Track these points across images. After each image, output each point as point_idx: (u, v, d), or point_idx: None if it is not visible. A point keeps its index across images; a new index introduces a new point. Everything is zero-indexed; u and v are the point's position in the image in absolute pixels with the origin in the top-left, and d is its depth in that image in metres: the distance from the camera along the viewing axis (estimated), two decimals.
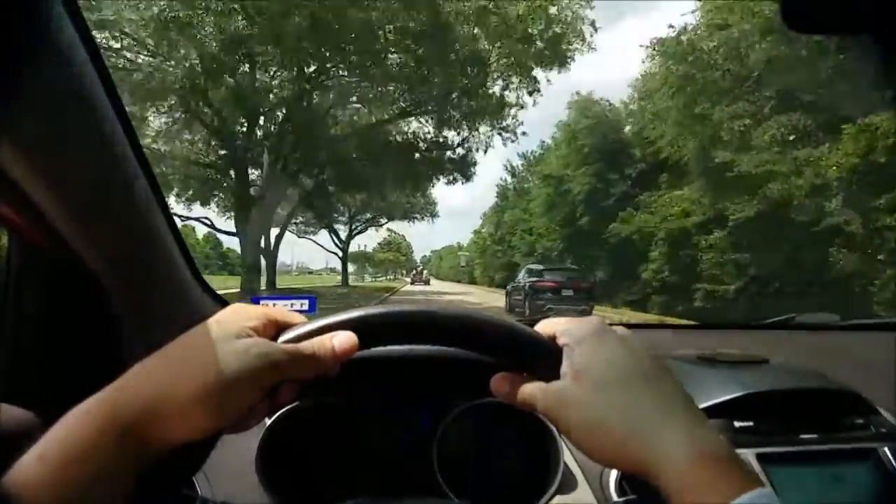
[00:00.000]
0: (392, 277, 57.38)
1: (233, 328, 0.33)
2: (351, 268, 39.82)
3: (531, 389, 0.36)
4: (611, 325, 0.39)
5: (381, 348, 0.39)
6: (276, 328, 0.36)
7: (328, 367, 0.35)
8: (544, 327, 0.38)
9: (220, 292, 0.87)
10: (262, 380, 0.33)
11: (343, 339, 0.35)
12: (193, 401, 0.30)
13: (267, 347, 0.33)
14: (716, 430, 0.32)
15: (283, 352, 0.34)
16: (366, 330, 0.37)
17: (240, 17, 9.65)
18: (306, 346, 0.35)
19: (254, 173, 13.44)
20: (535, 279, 12.20)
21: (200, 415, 0.31)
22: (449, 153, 15.26)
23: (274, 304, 0.39)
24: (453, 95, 12.49)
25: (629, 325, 1.27)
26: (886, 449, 0.67)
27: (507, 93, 13.20)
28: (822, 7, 0.36)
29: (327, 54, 11.10)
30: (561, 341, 0.36)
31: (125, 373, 0.32)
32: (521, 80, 12.81)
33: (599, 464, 0.35)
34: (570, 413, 0.33)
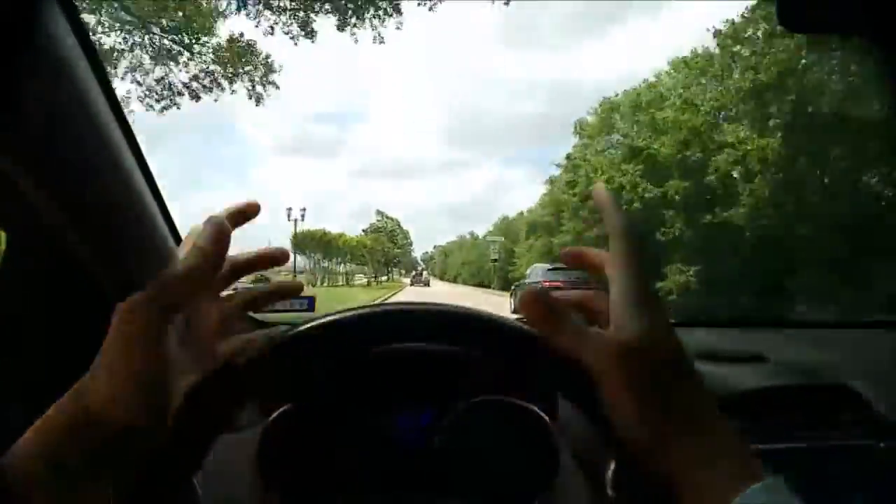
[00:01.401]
0: (375, 277, 39.63)
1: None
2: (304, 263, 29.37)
3: (587, 332, 0.31)
4: None
5: (379, 348, 0.39)
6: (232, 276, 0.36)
7: (206, 272, 0.32)
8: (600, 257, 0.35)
9: None
10: (156, 326, 0.30)
11: (207, 235, 0.32)
12: (120, 380, 0.29)
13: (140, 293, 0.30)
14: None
15: (154, 282, 0.31)
16: (364, 331, 0.37)
17: None
18: (167, 272, 0.31)
19: None
20: (541, 279, 11.63)
21: (132, 391, 0.29)
22: None
23: (273, 305, 0.38)
24: None
25: None
26: (883, 446, 0.68)
27: None
28: (817, 6, 0.36)
29: None
30: (623, 299, 0.32)
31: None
32: None
33: (625, 446, 0.31)
34: (626, 375, 0.30)
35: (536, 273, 12.66)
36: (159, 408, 0.30)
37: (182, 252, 0.33)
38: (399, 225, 53.16)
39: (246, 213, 0.38)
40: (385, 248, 41.77)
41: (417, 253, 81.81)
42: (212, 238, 0.32)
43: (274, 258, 0.39)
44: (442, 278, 59.62)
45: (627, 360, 0.30)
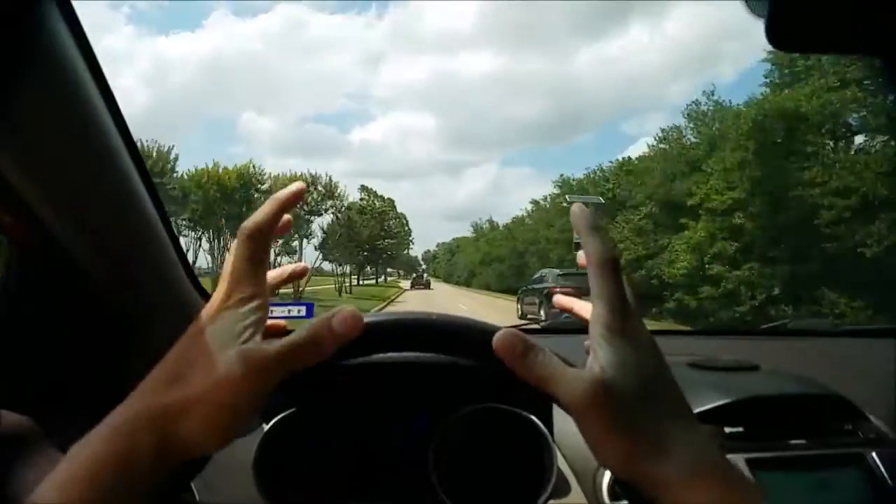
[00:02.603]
0: (358, 278, 31.93)
1: (230, 332, 0.31)
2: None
3: (557, 371, 0.32)
4: None
5: (378, 354, 0.39)
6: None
7: (328, 352, 0.32)
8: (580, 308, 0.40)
9: None
10: (264, 384, 0.31)
11: (344, 317, 0.32)
12: (202, 414, 0.29)
13: (260, 350, 0.31)
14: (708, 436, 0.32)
15: (279, 350, 0.31)
16: (368, 335, 0.38)
17: None
18: (301, 335, 0.32)
19: None
20: (550, 284, 11.33)
21: (211, 427, 0.30)
22: None
23: (271, 311, 0.38)
24: None
25: None
26: (875, 454, 0.68)
27: None
28: (807, 26, 0.37)
29: None
30: (596, 331, 0.33)
31: (137, 389, 0.31)
32: None
33: (603, 466, 0.33)
34: (592, 410, 0.30)
35: (546, 277, 12.24)
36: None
37: (265, 287, 0.34)
38: (393, 206, 36.87)
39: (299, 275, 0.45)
40: (371, 231, 28.28)
41: (417, 252, 76.22)
42: (348, 326, 0.32)
43: (300, 273, 0.45)
44: (447, 281, 51.50)
45: (594, 398, 0.30)
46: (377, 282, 42.13)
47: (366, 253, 29.65)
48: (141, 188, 0.60)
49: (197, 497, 0.57)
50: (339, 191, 25.24)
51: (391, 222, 35.14)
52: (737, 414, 0.68)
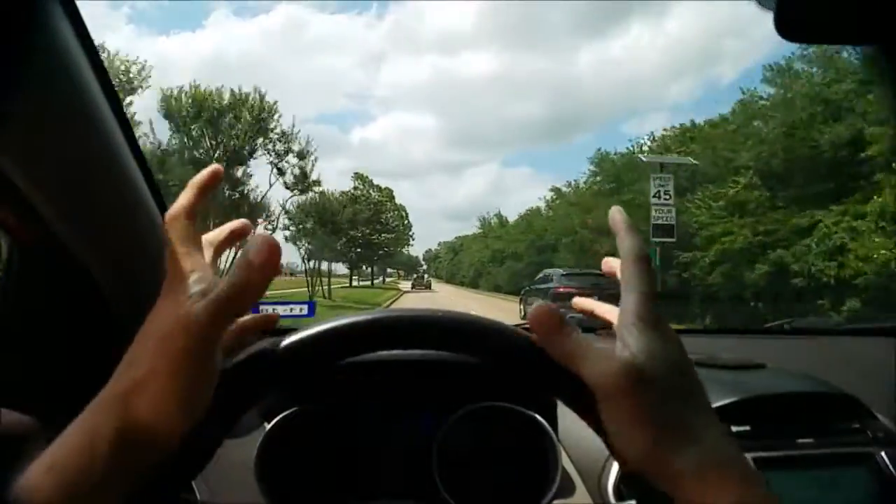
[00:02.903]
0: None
1: (175, 309, 0.31)
2: None
3: (590, 350, 0.33)
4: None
5: (379, 353, 0.39)
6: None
7: (258, 287, 0.31)
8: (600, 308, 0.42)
9: None
10: (205, 342, 0.31)
11: (259, 247, 0.31)
12: (157, 393, 0.29)
13: (189, 310, 0.30)
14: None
15: (206, 303, 0.31)
16: (364, 334, 0.37)
17: None
18: (225, 281, 0.31)
19: None
20: (554, 284, 11.18)
21: (168, 404, 0.30)
22: None
23: (273, 310, 0.38)
24: None
25: None
26: (884, 454, 0.67)
27: None
28: (815, 16, 0.36)
29: None
30: (627, 320, 0.33)
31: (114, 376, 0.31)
32: None
33: (620, 453, 0.32)
34: (621, 391, 0.31)
35: (550, 278, 12.14)
36: (196, 420, 0.31)
37: (204, 261, 0.35)
38: (391, 198, 32.78)
39: (241, 233, 0.42)
40: (357, 216, 23.06)
41: (418, 252, 73.04)
42: (264, 253, 0.31)
43: (240, 231, 0.43)
44: (450, 282, 48.09)
45: (625, 379, 0.31)
46: (372, 283, 38.42)
47: (359, 249, 25.99)
48: (144, 188, 0.60)
49: (198, 497, 0.57)
50: (275, 120, 16.15)
51: (388, 215, 30.99)
52: (744, 412, 0.68)
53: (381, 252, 30.48)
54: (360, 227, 24.20)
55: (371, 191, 29.77)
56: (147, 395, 0.29)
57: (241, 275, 0.31)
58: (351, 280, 30.87)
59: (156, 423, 0.29)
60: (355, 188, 28.38)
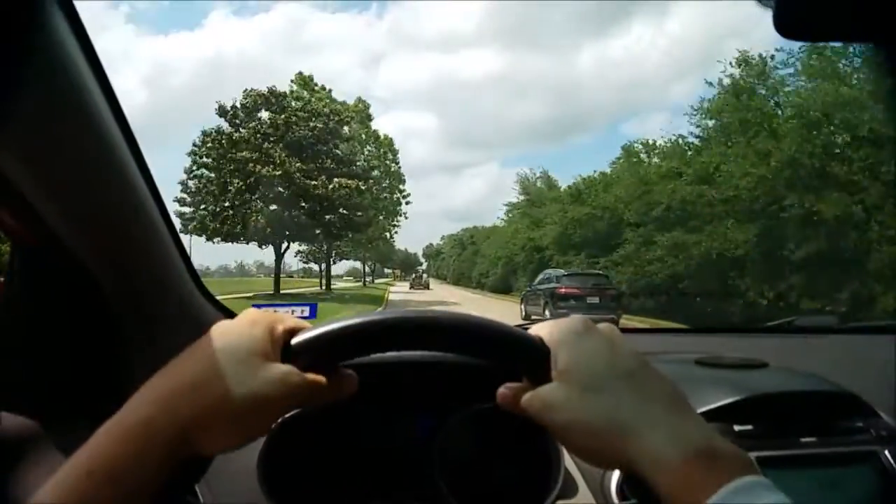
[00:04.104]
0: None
1: (259, 346, 0.33)
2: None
3: (524, 395, 0.36)
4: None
5: (380, 354, 0.39)
6: (289, 335, 0.37)
7: (343, 396, 0.39)
8: (535, 330, 0.39)
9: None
10: (290, 406, 0.35)
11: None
12: (229, 422, 0.32)
13: (299, 379, 0.34)
14: (707, 425, 0.32)
15: (311, 384, 0.35)
16: (371, 335, 0.37)
17: None
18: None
19: None
20: (556, 285, 11.12)
21: (233, 435, 0.32)
22: None
23: (276, 311, 0.39)
24: None
25: (626, 330, 1.27)
26: (887, 452, 0.67)
27: None
28: (815, 14, 0.36)
29: None
30: (547, 343, 0.36)
31: (150, 383, 0.32)
32: None
33: (589, 464, 0.36)
34: (555, 416, 0.33)
35: (550, 278, 12.06)
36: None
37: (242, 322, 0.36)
38: (368, 116, 21.49)
39: None
40: (300, 132, 14.12)
41: (417, 250, 69.46)
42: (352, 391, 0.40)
43: None
44: (458, 284, 39.74)
45: (553, 403, 0.34)
46: (364, 283, 28.58)
47: (303, 215, 14.51)
48: (144, 188, 0.60)
49: (201, 499, 0.57)
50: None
51: (361, 152, 17.51)
52: (746, 412, 0.68)
53: (343, 216, 15.77)
54: (293, 158, 13.00)
55: (322, 99, 16.99)
56: (218, 428, 0.32)
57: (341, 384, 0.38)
58: (321, 279, 18.77)
59: (205, 451, 0.32)
60: (293, 91, 16.32)
